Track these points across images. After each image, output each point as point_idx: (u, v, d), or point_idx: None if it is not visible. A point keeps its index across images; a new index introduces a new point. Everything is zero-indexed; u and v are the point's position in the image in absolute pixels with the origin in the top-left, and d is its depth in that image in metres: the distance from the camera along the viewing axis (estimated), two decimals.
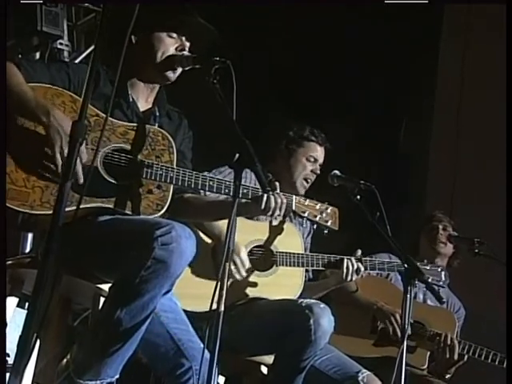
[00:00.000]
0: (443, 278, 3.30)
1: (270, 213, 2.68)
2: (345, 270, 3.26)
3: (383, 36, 5.62)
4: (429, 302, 4.05)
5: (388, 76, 5.65)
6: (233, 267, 3.04)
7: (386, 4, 4.62)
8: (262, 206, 2.66)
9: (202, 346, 2.40)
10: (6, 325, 2.08)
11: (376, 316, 3.84)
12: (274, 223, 3.29)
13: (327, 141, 3.55)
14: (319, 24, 5.54)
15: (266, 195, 2.64)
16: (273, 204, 2.66)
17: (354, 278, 3.30)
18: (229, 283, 2.30)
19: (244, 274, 3.08)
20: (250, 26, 5.43)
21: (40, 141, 2.39)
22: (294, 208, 2.81)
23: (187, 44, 2.68)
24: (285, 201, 2.70)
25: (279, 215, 2.74)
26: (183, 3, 2.73)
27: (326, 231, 2.91)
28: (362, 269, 3.30)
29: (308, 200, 2.86)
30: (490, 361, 3.90)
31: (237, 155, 2.35)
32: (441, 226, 4.21)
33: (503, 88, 5.23)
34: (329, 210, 2.89)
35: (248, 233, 3.18)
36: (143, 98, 2.71)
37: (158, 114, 2.71)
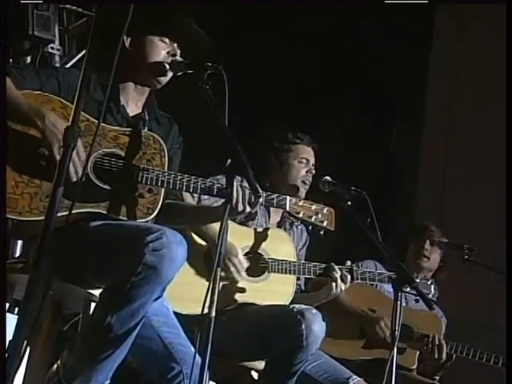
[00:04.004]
0: (432, 291, 3.33)
1: (239, 209, 2.58)
2: (334, 283, 3.25)
3: (375, 37, 5.64)
4: (410, 306, 4.05)
5: (379, 78, 5.67)
6: (232, 268, 3.06)
7: (386, 4, 4.62)
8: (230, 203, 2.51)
9: (193, 349, 2.41)
10: (5, 327, 2.07)
11: (363, 325, 3.85)
12: (259, 230, 3.30)
13: (313, 141, 3.56)
14: (314, 25, 5.56)
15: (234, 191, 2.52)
16: (234, 198, 2.54)
17: (343, 288, 3.30)
18: (221, 287, 2.30)
19: (244, 274, 3.10)
20: (243, 27, 5.44)
21: (31, 144, 2.39)
22: (288, 209, 2.80)
23: (178, 50, 2.68)
24: (247, 192, 2.59)
25: (250, 211, 2.66)
26: (179, 6, 2.74)
27: (321, 232, 2.90)
28: (349, 278, 3.29)
29: (303, 201, 2.84)
30: (477, 359, 3.93)
31: (228, 161, 2.36)
32: (428, 241, 4.19)
33: (496, 89, 5.26)
34: (325, 211, 2.86)
35: (239, 238, 3.18)
36: (133, 102, 2.71)
37: (147, 118, 2.71)
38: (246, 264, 3.12)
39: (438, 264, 4.22)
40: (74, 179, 2.31)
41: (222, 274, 3.02)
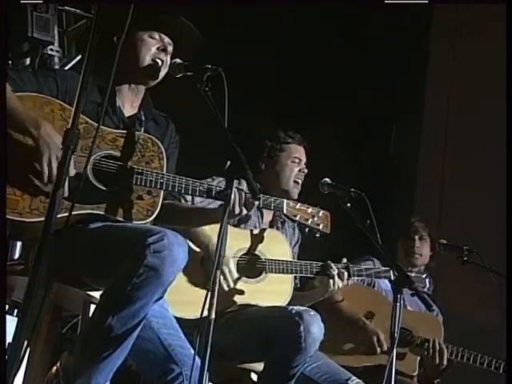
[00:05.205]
0: (427, 285, 3.32)
1: (236, 211, 2.61)
2: (331, 280, 3.26)
3: (374, 37, 5.65)
4: (408, 307, 4.03)
5: (378, 78, 5.67)
6: (221, 277, 3.04)
7: (386, 4, 4.63)
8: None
9: (192, 351, 2.41)
10: (5, 328, 2.07)
11: (359, 334, 3.82)
12: (255, 232, 3.30)
13: (304, 140, 3.56)
14: (313, 24, 5.56)
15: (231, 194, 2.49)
16: (232, 199, 2.54)
17: (340, 285, 3.30)
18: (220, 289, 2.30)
19: (231, 284, 3.11)
20: (241, 26, 5.44)
21: (28, 152, 2.38)
22: (285, 212, 2.82)
23: (170, 46, 2.69)
24: (243, 194, 2.63)
25: (247, 214, 2.68)
26: (168, 3, 2.75)
27: (317, 235, 2.91)
28: (346, 274, 3.29)
29: (299, 204, 2.86)
30: (477, 364, 3.89)
31: (228, 163, 2.36)
32: (417, 237, 4.17)
33: (495, 89, 5.27)
34: (320, 214, 2.90)
35: (236, 240, 3.18)
36: (128, 103, 2.73)
37: (143, 118, 2.72)
38: (235, 274, 3.12)
39: (428, 259, 4.20)
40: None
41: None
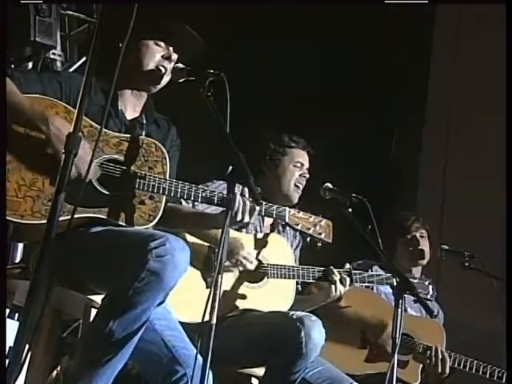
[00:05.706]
0: (431, 292, 3.31)
1: (238, 218, 2.59)
2: (333, 286, 3.25)
3: (375, 39, 5.65)
4: (409, 311, 4.01)
5: (379, 81, 5.68)
6: (244, 261, 3.06)
7: (386, 4, 4.63)
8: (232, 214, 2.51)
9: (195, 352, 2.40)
10: (5, 329, 2.07)
11: (366, 331, 3.78)
12: (259, 236, 3.30)
13: (308, 145, 3.56)
14: (313, 26, 5.56)
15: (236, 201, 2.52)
16: (235, 207, 2.54)
17: (342, 291, 3.30)
18: (221, 294, 2.30)
19: (255, 262, 3.10)
20: (242, 28, 5.44)
21: (35, 148, 2.39)
22: (287, 220, 2.82)
23: (174, 54, 2.70)
24: (248, 202, 2.61)
25: (249, 221, 2.66)
26: (174, 10, 2.76)
27: (319, 244, 2.91)
28: (348, 280, 3.29)
29: (302, 212, 2.87)
30: (480, 373, 3.86)
31: (230, 168, 2.36)
32: (418, 234, 4.11)
33: (496, 90, 5.27)
34: (322, 223, 2.90)
35: None
36: (131, 106, 2.73)
37: (144, 121, 2.72)
38: (254, 252, 3.12)
39: (429, 257, 4.15)
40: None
41: (235, 269, 3.09)
